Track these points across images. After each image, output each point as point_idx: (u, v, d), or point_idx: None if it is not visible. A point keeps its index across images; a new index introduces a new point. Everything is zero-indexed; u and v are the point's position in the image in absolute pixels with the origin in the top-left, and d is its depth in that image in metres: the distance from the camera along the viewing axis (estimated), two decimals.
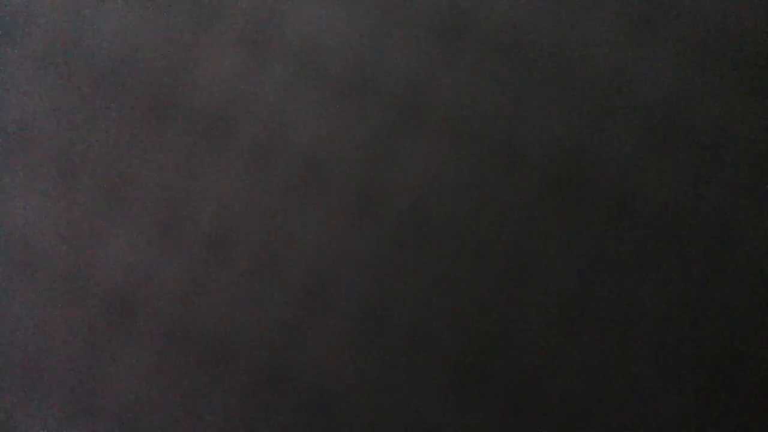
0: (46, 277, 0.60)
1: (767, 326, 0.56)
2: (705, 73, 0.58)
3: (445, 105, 0.59)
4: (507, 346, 0.57)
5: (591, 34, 0.59)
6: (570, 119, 0.59)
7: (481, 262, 0.58)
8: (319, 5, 0.61)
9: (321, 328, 0.58)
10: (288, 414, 0.58)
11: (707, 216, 0.57)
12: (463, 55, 0.60)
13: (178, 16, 0.62)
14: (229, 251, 0.59)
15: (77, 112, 0.62)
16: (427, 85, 0.60)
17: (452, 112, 0.59)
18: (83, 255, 0.60)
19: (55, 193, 0.61)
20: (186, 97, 0.61)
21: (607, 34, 0.59)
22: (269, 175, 0.60)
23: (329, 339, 0.58)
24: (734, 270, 0.57)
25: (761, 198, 0.57)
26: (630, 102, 0.58)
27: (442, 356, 0.57)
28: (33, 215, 0.61)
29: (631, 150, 0.58)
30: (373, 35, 0.61)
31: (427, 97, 0.60)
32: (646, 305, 0.57)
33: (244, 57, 0.61)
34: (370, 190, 0.59)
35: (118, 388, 0.59)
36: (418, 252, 0.58)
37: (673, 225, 0.57)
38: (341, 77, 0.60)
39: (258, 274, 0.59)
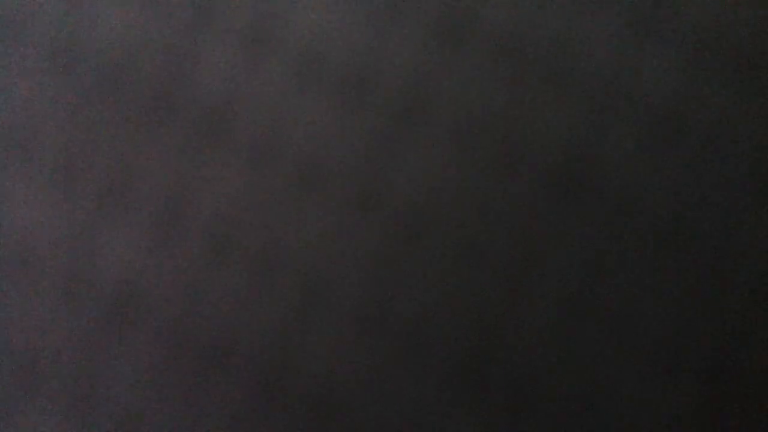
0: (46, 277, 0.60)
1: (767, 326, 0.56)
2: (705, 73, 0.58)
3: (445, 105, 0.59)
4: (507, 346, 0.57)
5: (591, 34, 0.59)
6: (570, 119, 0.59)
7: (481, 262, 0.58)
8: (319, 5, 0.61)
9: (321, 328, 0.58)
10: (288, 414, 0.58)
11: (707, 216, 0.57)
12: (463, 55, 0.60)
13: (178, 15, 0.62)
14: (229, 251, 0.59)
15: (77, 112, 0.62)
16: (427, 85, 0.60)
17: (452, 112, 0.59)
18: (83, 255, 0.60)
19: (55, 193, 0.61)
20: (186, 97, 0.61)
21: (607, 34, 0.59)
22: (269, 175, 0.60)
23: (329, 339, 0.58)
24: (734, 270, 0.57)
25: (761, 198, 0.57)
26: (630, 102, 0.58)
27: (442, 356, 0.57)
28: (33, 215, 0.61)
29: (632, 150, 0.58)
30: (373, 35, 0.61)
31: (427, 97, 0.60)
32: (647, 305, 0.57)
33: (244, 57, 0.61)
34: (369, 190, 0.59)
35: (118, 388, 0.59)
36: (418, 252, 0.58)
37: (673, 225, 0.57)
38: (341, 77, 0.60)
39: (258, 274, 0.59)
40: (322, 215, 0.59)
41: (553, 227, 0.58)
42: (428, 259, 0.58)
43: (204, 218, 0.60)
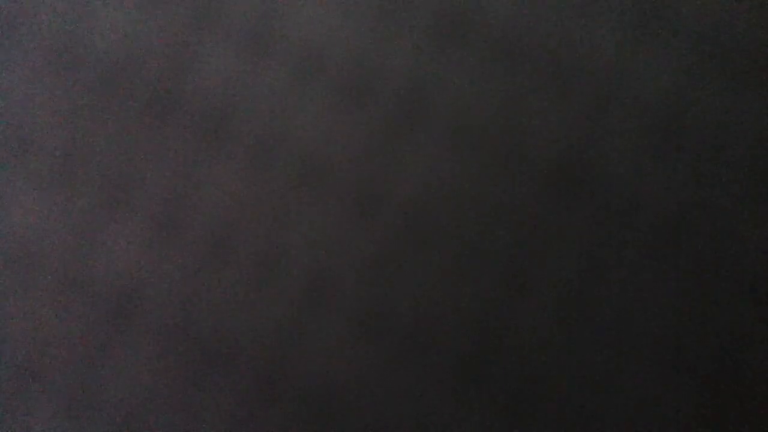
0: (46, 277, 0.60)
1: (767, 326, 0.56)
2: (705, 73, 0.58)
3: (445, 105, 0.59)
4: (507, 346, 0.57)
5: (591, 34, 0.59)
6: (570, 119, 0.59)
7: (481, 262, 0.58)
8: (318, 5, 0.61)
9: (321, 328, 0.58)
10: (288, 414, 0.58)
11: (707, 216, 0.57)
12: (463, 55, 0.60)
13: (178, 16, 0.62)
14: (229, 251, 0.59)
15: (77, 112, 0.62)
16: (427, 85, 0.60)
17: (452, 112, 0.59)
18: (83, 255, 0.60)
19: (55, 193, 0.61)
20: (186, 97, 0.61)
21: (607, 34, 0.59)
22: (269, 175, 0.60)
23: (329, 339, 0.58)
24: (734, 270, 0.57)
25: (761, 198, 0.57)
26: (630, 102, 0.58)
27: (442, 356, 0.57)
28: (33, 215, 0.61)
29: (631, 150, 0.58)
30: (373, 35, 0.61)
31: (427, 97, 0.60)
32: (647, 305, 0.57)
33: (244, 57, 0.61)
34: (370, 190, 0.59)
35: (118, 388, 0.59)
36: (418, 252, 0.58)
37: (673, 225, 0.57)
38: (341, 77, 0.60)
39: (258, 274, 0.59)
40: (323, 215, 0.59)
41: (553, 227, 0.58)
42: (428, 259, 0.58)
43: (204, 218, 0.60)
